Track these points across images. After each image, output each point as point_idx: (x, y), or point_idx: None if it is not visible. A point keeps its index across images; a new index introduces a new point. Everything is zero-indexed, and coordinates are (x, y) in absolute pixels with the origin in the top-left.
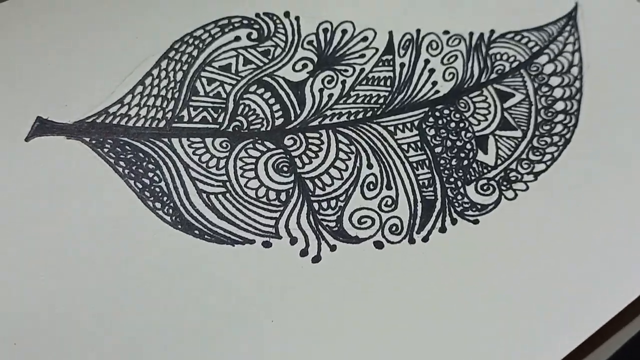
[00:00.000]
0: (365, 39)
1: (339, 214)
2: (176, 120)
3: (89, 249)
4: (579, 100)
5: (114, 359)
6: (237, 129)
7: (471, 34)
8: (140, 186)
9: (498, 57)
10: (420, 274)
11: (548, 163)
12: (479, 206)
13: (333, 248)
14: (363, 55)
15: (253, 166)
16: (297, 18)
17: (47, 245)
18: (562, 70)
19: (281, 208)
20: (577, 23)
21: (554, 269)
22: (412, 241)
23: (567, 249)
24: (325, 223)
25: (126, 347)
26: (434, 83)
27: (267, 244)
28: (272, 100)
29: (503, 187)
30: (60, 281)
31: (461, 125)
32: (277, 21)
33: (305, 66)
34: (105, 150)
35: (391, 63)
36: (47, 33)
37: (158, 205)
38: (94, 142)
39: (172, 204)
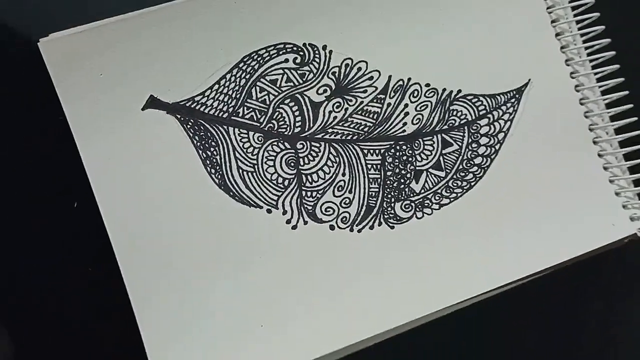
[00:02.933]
0: (371, 78)
1: (315, 201)
2: (234, 114)
3: (166, 193)
4: (493, 159)
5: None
6: (270, 129)
7: (444, 89)
8: (205, 155)
9: (454, 113)
10: (351, 253)
11: (451, 199)
12: (398, 218)
13: (305, 222)
14: (365, 91)
15: (274, 158)
16: (330, 52)
17: (142, 185)
18: (492, 133)
19: (283, 190)
20: (522, 98)
21: (430, 272)
22: (352, 230)
23: (440, 266)
24: (306, 206)
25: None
26: (404, 124)
27: (269, 211)
28: (297, 113)
29: (417, 209)
30: (154, 211)
31: (410, 159)
32: (316, 51)
33: (325, 91)
34: (188, 126)
35: (382, 101)
36: (163, 40)
37: (213, 170)
38: (182, 119)
39: (221, 172)
